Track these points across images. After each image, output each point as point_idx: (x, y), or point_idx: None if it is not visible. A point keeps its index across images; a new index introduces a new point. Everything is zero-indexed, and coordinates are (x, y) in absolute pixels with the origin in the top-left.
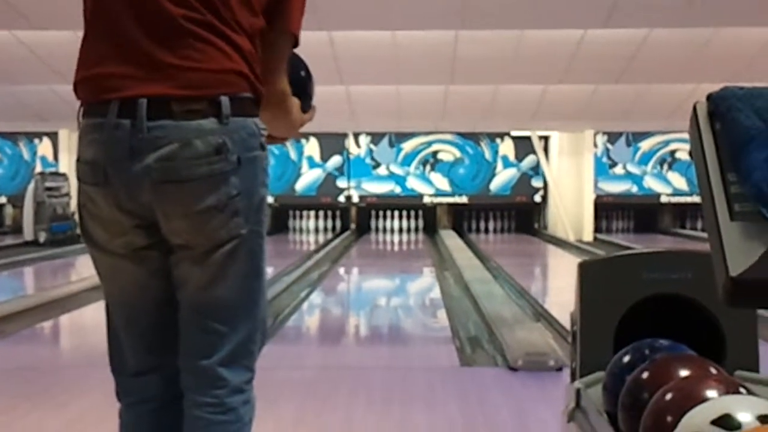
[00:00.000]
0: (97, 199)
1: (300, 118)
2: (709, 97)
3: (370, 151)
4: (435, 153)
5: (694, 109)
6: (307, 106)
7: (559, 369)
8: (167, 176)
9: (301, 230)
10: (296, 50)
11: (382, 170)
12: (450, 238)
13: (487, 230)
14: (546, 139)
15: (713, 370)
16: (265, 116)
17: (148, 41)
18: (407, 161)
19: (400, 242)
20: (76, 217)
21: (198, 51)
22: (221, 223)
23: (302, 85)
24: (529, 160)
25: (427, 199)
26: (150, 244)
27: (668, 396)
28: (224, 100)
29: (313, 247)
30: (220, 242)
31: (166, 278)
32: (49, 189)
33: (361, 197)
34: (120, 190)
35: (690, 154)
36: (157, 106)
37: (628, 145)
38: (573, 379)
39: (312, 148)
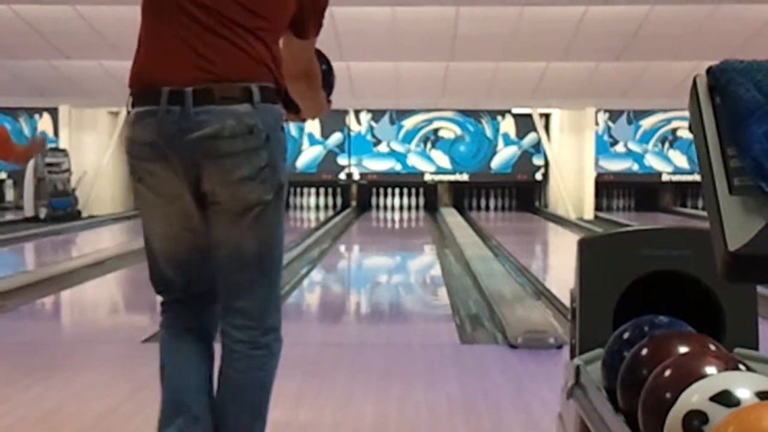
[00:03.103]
0: (158, 172)
1: (324, 104)
2: (709, 71)
3: (371, 128)
4: (436, 130)
5: (694, 82)
6: (328, 96)
7: (559, 346)
8: (210, 151)
9: (301, 207)
10: None
11: (382, 147)
12: (451, 216)
13: (487, 208)
14: (547, 116)
15: (712, 347)
16: (300, 93)
17: (195, 39)
18: (408, 138)
19: (401, 220)
20: (78, 193)
21: (235, 46)
22: (252, 189)
23: (325, 77)
24: (530, 137)
25: (427, 177)
26: (197, 207)
27: (667, 372)
28: (255, 87)
29: (313, 224)
30: (249, 205)
31: (205, 234)
32: (49, 165)
33: (362, 174)
34: (176, 162)
35: (690, 128)
36: (201, 93)
37: (629, 123)
38: (572, 356)
39: (312, 124)
